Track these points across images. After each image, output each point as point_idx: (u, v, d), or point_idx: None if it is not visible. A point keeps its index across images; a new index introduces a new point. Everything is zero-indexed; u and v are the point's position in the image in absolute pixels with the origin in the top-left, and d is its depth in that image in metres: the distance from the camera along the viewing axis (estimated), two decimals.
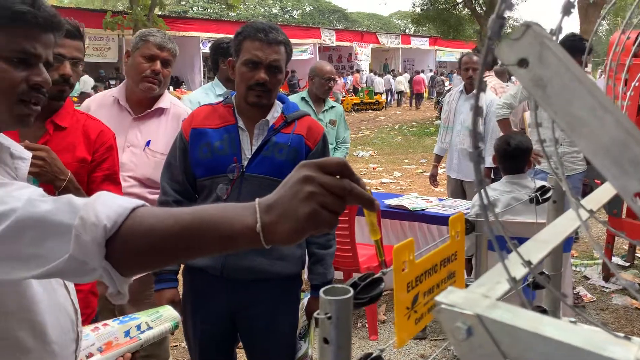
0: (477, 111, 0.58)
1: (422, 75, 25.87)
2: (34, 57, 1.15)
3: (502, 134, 4.34)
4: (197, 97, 3.47)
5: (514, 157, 3.21)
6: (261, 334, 2.16)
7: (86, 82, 15.91)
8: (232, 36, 3.69)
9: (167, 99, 2.61)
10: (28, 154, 1.28)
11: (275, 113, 2.14)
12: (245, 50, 2.05)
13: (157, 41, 2.47)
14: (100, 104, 2.56)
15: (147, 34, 2.51)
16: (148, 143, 2.48)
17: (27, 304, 1.07)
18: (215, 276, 2.08)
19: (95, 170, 2.03)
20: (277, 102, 2.18)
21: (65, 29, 1.91)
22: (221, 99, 3.29)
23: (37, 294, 1.09)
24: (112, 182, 2.09)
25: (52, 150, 1.84)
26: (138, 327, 1.53)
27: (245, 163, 2.06)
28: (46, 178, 1.78)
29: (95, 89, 16.71)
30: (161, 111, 2.55)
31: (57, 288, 1.18)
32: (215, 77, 3.64)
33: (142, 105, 2.53)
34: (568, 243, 3.03)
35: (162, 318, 1.56)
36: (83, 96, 14.75)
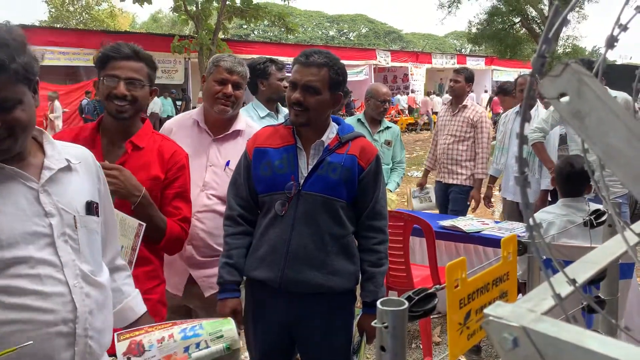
0: (522, 139, 0.64)
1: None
2: None
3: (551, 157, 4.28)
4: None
5: (577, 179, 3.15)
6: (317, 347, 2.24)
7: (156, 103, 16.67)
8: (265, 57, 3.71)
9: (243, 121, 2.75)
10: (58, 165, 1.44)
11: (330, 134, 2.24)
12: (291, 73, 2.20)
13: (227, 65, 2.59)
14: (180, 125, 2.72)
15: (219, 59, 2.64)
16: (228, 163, 2.61)
17: None
18: (274, 288, 2.18)
19: (168, 188, 2.18)
20: (332, 124, 2.28)
21: (123, 53, 2.07)
22: (266, 120, 3.39)
23: None
24: (182, 199, 2.24)
25: (130, 168, 2.01)
26: (197, 345, 1.56)
27: (301, 181, 2.16)
28: (121, 194, 1.95)
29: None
30: (237, 133, 2.69)
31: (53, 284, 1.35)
32: (255, 98, 3.58)
33: (219, 127, 2.67)
34: (629, 269, 2.94)
35: (222, 338, 1.58)
36: (153, 116, 15.43)
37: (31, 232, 1.34)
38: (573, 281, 0.66)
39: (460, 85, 5.12)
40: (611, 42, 0.67)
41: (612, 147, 0.53)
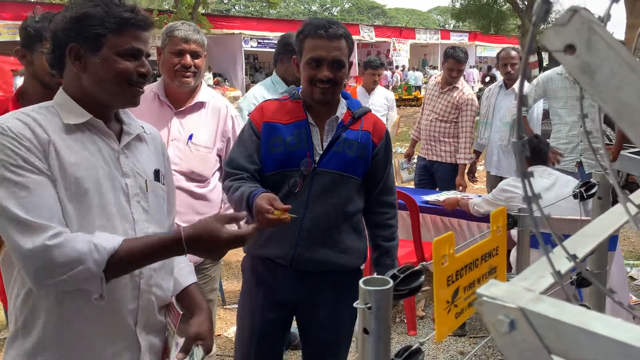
0: (521, 100, 0.57)
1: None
2: (139, 52, 1.48)
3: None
4: (261, 93, 3.31)
5: (540, 153, 3.35)
6: (322, 323, 2.19)
7: None
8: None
9: (206, 93, 2.62)
10: (135, 131, 1.60)
11: (342, 109, 2.16)
12: (307, 48, 2.07)
13: (182, 35, 2.46)
14: (141, 99, 2.60)
15: (173, 29, 2.50)
16: (190, 137, 2.50)
17: None
18: (284, 266, 2.11)
19: None
20: (341, 99, 2.20)
21: None
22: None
23: None
24: None
25: None
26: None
27: (317, 158, 2.08)
28: None
29: None
30: (201, 105, 2.57)
31: None
32: (274, 73, 3.41)
33: (181, 99, 2.55)
34: (613, 241, 2.94)
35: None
36: None
37: (113, 188, 1.46)
38: (574, 257, 0.60)
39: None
40: None
41: (624, 105, 0.47)
